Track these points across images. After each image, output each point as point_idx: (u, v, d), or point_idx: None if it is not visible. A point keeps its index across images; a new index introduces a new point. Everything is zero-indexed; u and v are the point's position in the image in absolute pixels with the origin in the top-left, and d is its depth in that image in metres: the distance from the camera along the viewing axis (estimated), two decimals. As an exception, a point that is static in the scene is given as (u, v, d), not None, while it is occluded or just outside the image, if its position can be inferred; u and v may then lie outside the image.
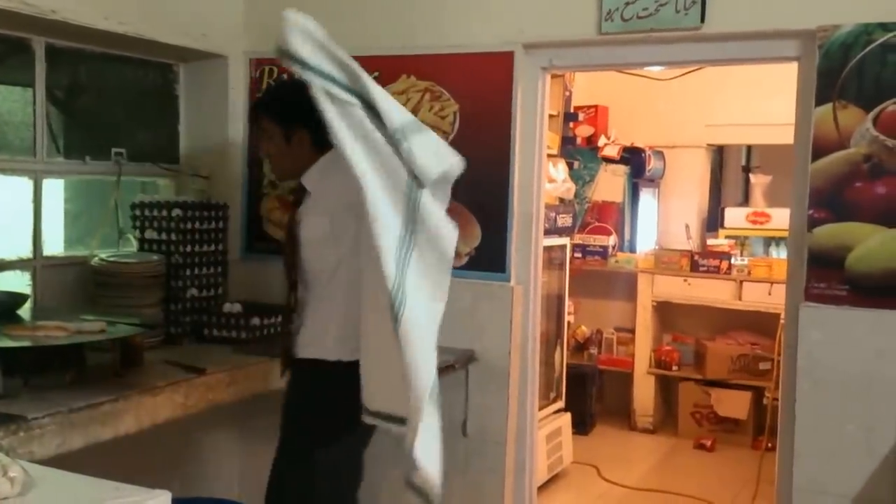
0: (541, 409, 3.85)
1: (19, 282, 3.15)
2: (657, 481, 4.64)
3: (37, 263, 3.21)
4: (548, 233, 3.99)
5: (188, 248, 3.49)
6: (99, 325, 2.76)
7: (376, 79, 3.61)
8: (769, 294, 5.05)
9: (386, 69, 3.54)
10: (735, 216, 5.84)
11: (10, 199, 3.21)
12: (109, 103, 3.63)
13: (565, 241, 4.86)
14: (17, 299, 2.93)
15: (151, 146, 3.80)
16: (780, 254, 5.61)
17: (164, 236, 3.47)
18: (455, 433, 3.41)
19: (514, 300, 3.34)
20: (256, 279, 3.81)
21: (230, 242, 3.69)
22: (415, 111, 3.49)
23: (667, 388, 5.66)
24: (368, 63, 3.61)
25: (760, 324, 5.22)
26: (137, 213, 3.52)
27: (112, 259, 3.35)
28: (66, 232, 3.48)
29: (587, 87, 5.65)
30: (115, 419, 2.51)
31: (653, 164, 5.87)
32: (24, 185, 3.19)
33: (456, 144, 3.45)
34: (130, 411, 2.59)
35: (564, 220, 4.77)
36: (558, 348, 4.85)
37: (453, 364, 3.27)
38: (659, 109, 5.86)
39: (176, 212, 3.46)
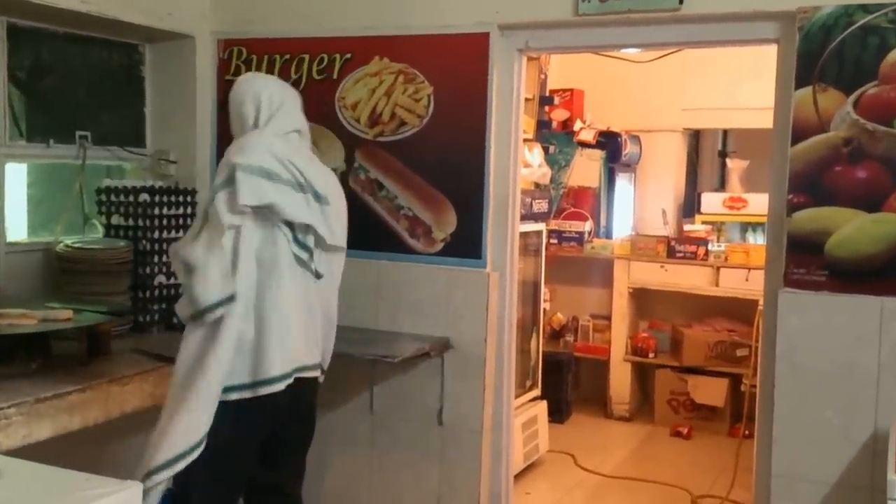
0: (517, 397, 3.87)
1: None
2: (634, 469, 4.69)
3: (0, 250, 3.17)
4: (524, 218, 4.00)
5: (156, 235, 3.46)
6: (65, 314, 2.73)
7: (348, 61, 3.62)
8: (746, 280, 5.11)
9: (359, 50, 3.52)
10: (712, 201, 5.89)
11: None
12: (73, 85, 3.58)
13: (541, 226, 4.88)
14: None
15: (117, 129, 3.75)
16: (756, 239, 5.67)
17: (131, 222, 3.44)
18: (430, 422, 3.42)
19: (490, 287, 3.34)
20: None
21: (198, 228, 3.66)
22: (388, 94, 3.48)
23: (643, 376, 5.71)
24: (340, 44, 3.61)
25: (737, 310, 5.28)
26: (103, 198, 3.48)
27: (77, 245, 3.31)
28: (29, 218, 3.42)
29: (563, 70, 5.66)
30: (82, 409, 2.50)
31: (629, 149, 5.90)
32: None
33: (431, 128, 3.51)
34: (98, 401, 2.58)
35: (540, 206, 4.79)
36: (534, 336, 4.87)
37: (428, 352, 3.27)
38: (635, 93, 5.88)
39: (143, 197, 3.43)
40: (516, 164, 3.40)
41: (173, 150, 3.81)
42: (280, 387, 2.36)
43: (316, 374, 2.58)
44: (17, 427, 2.29)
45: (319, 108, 3.57)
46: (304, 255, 2.45)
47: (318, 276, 2.51)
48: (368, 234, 3.53)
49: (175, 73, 3.81)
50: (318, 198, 2.46)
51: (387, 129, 3.49)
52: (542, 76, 5.33)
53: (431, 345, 3.31)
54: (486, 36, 3.32)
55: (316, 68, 3.61)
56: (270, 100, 2.52)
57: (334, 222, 2.53)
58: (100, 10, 3.23)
